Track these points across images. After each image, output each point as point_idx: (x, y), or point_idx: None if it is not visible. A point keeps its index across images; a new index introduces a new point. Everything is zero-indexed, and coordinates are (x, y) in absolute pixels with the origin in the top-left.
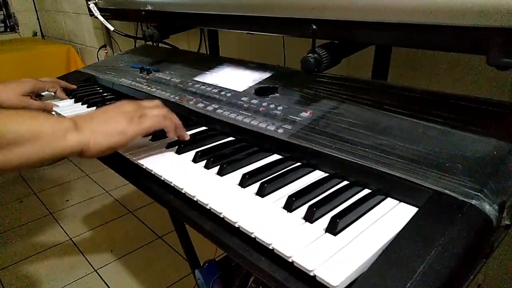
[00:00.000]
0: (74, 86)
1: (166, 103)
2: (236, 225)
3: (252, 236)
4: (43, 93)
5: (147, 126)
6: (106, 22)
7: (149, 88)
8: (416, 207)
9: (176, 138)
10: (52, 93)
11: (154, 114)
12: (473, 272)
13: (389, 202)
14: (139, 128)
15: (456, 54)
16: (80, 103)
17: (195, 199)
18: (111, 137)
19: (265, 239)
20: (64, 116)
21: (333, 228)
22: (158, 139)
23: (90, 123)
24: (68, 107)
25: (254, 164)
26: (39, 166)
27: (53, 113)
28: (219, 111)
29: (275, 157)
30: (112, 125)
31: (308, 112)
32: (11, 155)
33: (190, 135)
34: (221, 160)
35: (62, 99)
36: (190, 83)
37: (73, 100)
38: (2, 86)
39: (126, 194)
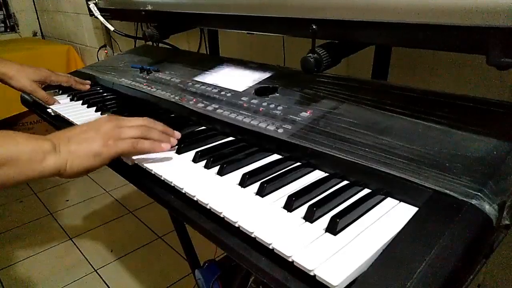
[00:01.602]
0: (88, 82)
1: (166, 103)
2: (236, 225)
3: (252, 236)
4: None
5: (121, 150)
6: (106, 22)
7: (149, 88)
8: (416, 207)
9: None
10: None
11: (130, 136)
12: (473, 272)
13: (389, 202)
14: (114, 151)
15: (456, 54)
16: (80, 103)
17: (195, 199)
18: (86, 160)
19: (265, 239)
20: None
21: (333, 228)
22: None
23: (68, 145)
24: (69, 108)
25: (254, 164)
26: (14, 186)
27: (49, 110)
28: (219, 111)
29: (275, 157)
30: (88, 147)
31: (308, 112)
32: None
33: (189, 134)
34: (221, 160)
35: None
36: (190, 83)
37: (73, 100)
38: (18, 67)
39: (126, 194)
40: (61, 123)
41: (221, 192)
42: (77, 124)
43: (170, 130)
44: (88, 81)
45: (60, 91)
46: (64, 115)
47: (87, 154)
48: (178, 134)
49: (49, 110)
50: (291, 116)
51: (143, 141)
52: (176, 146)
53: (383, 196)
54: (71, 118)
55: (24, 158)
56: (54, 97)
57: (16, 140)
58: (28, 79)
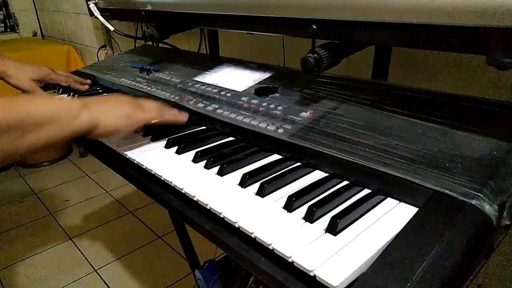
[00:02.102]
0: (89, 81)
1: (166, 103)
2: (236, 225)
3: (252, 236)
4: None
5: (149, 116)
6: (106, 22)
7: (149, 88)
8: (416, 207)
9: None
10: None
11: (155, 107)
12: (473, 272)
13: (389, 202)
14: (143, 116)
15: (456, 54)
16: None
17: (195, 199)
18: (119, 119)
19: (265, 239)
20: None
21: (333, 228)
22: (158, 139)
23: (99, 105)
24: None
25: (254, 164)
26: (56, 145)
27: None
28: (219, 111)
29: (275, 157)
30: (120, 109)
31: (308, 112)
32: (36, 137)
33: (189, 134)
34: (221, 160)
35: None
36: (190, 83)
37: (69, 97)
38: (18, 65)
39: (126, 194)
40: None
41: (221, 192)
42: None
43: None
44: (88, 81)
45: (61, 90)
46: None
47: (119, 115)
48: (185, 116)
49: None
50: (291, 116)
51: (167, 110)
52: (176, 146)
53: (383, 197)
54: None
55: (63, 116)
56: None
57: (53, 101)
58: (27, 78)
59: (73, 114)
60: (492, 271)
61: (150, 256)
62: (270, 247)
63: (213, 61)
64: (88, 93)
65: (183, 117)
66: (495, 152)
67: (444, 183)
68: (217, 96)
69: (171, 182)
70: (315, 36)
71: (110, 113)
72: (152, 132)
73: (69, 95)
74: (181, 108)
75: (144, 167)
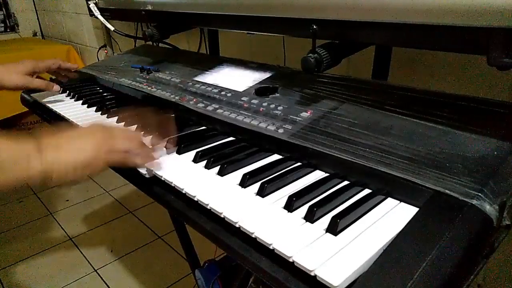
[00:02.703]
0: (76, 66)
1: (166, 103)
2: (237, 225)
3: (253, 236)
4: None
5: (112, 162)
6: (106, 22)
7: (149, 88)
8: (417, 207)
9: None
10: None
11: (123, 149)
12: (473, 272)
13: (390, 202)
14: (106, 161)
15: (456, 54)
16: (80, 102)
17: (195, 199)
18: (74, 170)
19: (265, 239)
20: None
21: (334, 228)
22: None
23: (56, 152)
24: (69, 108)
25: (254, 164)
26: (4, 191)
27: (56, 110)
28: (219, 111)
29: (276, 157)
30: (78, 157)
31: (308, 112)
32: None
33: (190, 134)
34: (221, 160)
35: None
36: (190, 83)
37: (73, 99)
38: (2, 67)
39: (126, 194)
40: (61, 122)
41: (222, 192)
42: (78, 125)
43: (160, 142)
44: (75, 65)
45: (60, 90)
46: (64, 115)
47: (75, 164)
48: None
49: (55, 110)
50: (291, 116)
51: (135, 155)
52: (176, 147)
53: (384, 197)
54: (71, 118)
55: (8, 163)
56: (54, 96)
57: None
58: (17, 74)
59: (20, 163)
60: (492, 271)
61: (150, 256)
62: (271, 247)
63: (213, 61)
64: (88, 93)
65: (156, 155)
66: (495, 152)
67: (445, 183)
68: (217, 96)
69: (172, 182)
70: (316, 36)
71: (66, 162)
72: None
73: (69, 96)
74: (181, 108)
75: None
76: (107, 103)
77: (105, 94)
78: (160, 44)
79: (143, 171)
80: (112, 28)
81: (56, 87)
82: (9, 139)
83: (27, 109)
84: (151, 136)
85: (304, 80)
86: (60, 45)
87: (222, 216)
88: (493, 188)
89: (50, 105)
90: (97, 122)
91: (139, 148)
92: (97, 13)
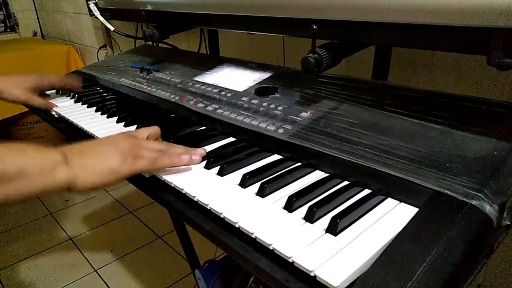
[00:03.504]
0: (80, 85)
1: (166, 103)
2: (237, 226)
3: (253, 236)
4: (47, 92)
5: (140, 168)
6: (106, 22)
7: (149, 88)
8: (416, 207)
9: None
10: (54, 91)
11: (150, 156)
12: (473, 272)
13: (389, 202)
14: (133, 169)
15: (456, 54)
16: (80, 103)
17: (195, 199)
18: (101, 176)
19: (265, 240)
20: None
21: (334, 228)
22: None
23: (81, 158)
24: (68, 107)
25: (254, 164)
26: (25, 201)
27: (53, 113)
28: (219, 111)
29: (275, 157)
30: (104, 163)
31: (308, 112)
32: None
33: (190, 134)
34: (221, 160)
35: (64, 92)
36: (190, 83)
37: (73, 100)
38: (6, 79)
39: (126, 194)
40: (62, 123)
41: (222, 193)
42: (78, 125)
43: (192, 150)
44: (79, 79)
45: (60, 92)
46: (64, 115)
47: (102, 170)
48: (202, 151)
49: (53, 113)
50: (291, 116)
51: (162, 157)
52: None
53: (384, 197)
54: (71, 119)
55: (34, 170)
56: (55, 99)
57: (25, 152)
58: (19, 88)
59: (47, 170)
60: (492, 271)
61: (150, 256)
62: (271, 247)
63: (213, 61)
64: (88, 92)
65: (186, 158)
66: (495, 152)
67: (444, 183)
68: (217, 96)
69: (172, 183)
70: (315, 36)
71: (91, 168)
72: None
73: (70, 96)
74: (181, 108)
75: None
76: (107, 103)
77: (105, 94)
78: (160, 44)
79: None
80: (112, 28)
81: (55, 106)
82: (34, 148)
83: (27, 109)
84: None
85: (304, 80)
86: (60, 45)
87: (222, 216)
88: (493, 188)
89: (49, 110)
90: (123, 132)
91: (167, 151)
92: (97, 13)
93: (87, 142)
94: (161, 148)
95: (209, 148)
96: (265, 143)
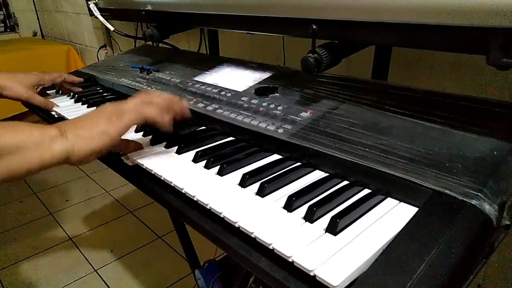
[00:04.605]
0: (81, 79)
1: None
2: (236, 225)
3: (252, 236)
4: (48, 92)
5: (127, 121)
6: (106, 22)
7: (149, 88)
8: (416, 207)
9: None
10: (54, 91)
11: (133, 108)
12: (473, 272)
13: (389, 202)
14: (119, 125)
15: (456, 54)
16: (80, 103)
17: (195, 199)
18: (93, 140)
19: (265, 239)
20: (64, 117)
21: (333, 228)
22: (157, 142)
23: (74, 129)
24: (68, 107)
25: (254, 164)
26: (26, 176)
27: (53, 113)
28: (219, 111)
29: (275, 157)
30: (93, 128)
31: (308, 112)
32: None
33: (189, 134)
34: (221, 160)
35: (66, 91)
36: (190, 83)
37: (73, 100)
38: (9, 76)
39: (126, 194)
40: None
41: (221, 192)
42: None
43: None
44: (80, 79)
45: (60, 92)
46: (64, 115)
47: (92, 135)
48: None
49: (52, 113)
50: (291, 116)
51: (146, 107)
52: (176, 146)
53: (383, 196)
54: (71, 118)
55: (31, 145)
56: (55, 99)
57: (20, 128)
58: (22, 86)
59: (44, 144)
60: (492, 271)
61: (150, 256)
62: (270, 247)
63: (213, 61)
64: (88, 92)
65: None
66: (495, 152)
67: (444, 183)
68: (217, 96)
69: (171, 182)
70: (315, 36)
71: (83, 136)
72: (152, 133)
73: (70, 96)
74: None
75: (144, 167)
76: (107, 103)
77: (105, 94)
78: (160, 44)
79: (125, 159)
80: (112, 28)
81: (55, 106)
82: (30, 125)
83: (27, 109)
84: None
85: (304, 80)
86: (60, 45)
87: (221, 216)
88: (493, 188)
89: (49, 110)
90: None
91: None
92: (97, 13)
93: (79, 116)
94: (142, 101)
95: (209, 147)
96: (265, 143)
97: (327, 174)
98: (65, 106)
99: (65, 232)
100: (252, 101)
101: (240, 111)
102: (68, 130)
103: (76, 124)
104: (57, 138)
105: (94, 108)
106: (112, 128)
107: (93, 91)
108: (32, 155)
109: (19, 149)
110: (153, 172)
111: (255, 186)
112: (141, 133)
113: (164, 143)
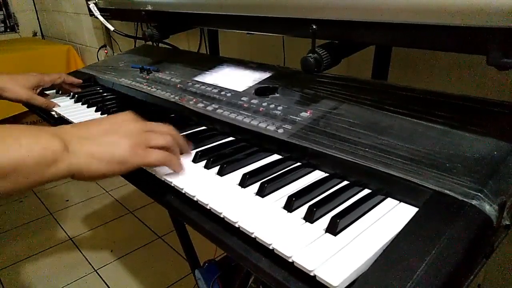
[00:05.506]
0: (80, 81)
1: (166, 103)
2: (236, 225)
3: (252, 236)
4: (47, 92)
5: (151, 162)
6: (106, 22)
7: (149, 88)
8: (416, 207)
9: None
10: (54, 91)
11: (160, 145)
12: (473, 272)
13: (389, 202)
14: (142, 162)
15: (456, 54)
16: (80, 103)
17: (195, 199)
18: (108, 165)
19: (265, 239)
20: (66, 119)
21: (333, 228)
22: None
23: (84, 144)
24: (68, 107)
25: (254, 164)
26: (26, 191)
27: (53, 113)
28: (219, 111)
29: (275, 157)
30: (112, 152)
31: (308, 112)
32: None
33: (189, 134)
34: (221, 160)
35: (65, 92)
36: (190, 83)
37: (73, 100)
38: (9, 78)
39: (126, 194)
40: (61, 122)
41: (221, 192)
42: None
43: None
44: (79, 80)
45: (60, 92)
46: (64, 115)
47: (110, 160)
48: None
49: (53, 113)
50: (291, 116)
51: (174, 158)
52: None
53: (383, 197)
54: (71, 119)
55: (31, 164)
56: (55, 99)
57: (19, 142)
58: (22, 87)
59: (47, 161)
60: (492, 271)
61: (150, 256)
62: (270, 247)
63: (213, 61)
64: (88, 92)
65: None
66: (495, 152)
67: (444, 183)
68: (217, 96)
69: (171, 182)
70: (315, 36)
71: (98, 156)
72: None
73: (70, 96)
74: (181, 108)
75: (144, 167)
76: (107, 103)
77: (105, 94)
78: (160, 44)
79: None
80: (112, 28)
81: (56, 106)
82: (30, 135)
83: (27, 109)
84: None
85: (304, 80)
86: (60, 45)
87: (221, 216)
88: (493, 188)
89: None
90: (124, 113)
91: (174, 144)
92: (97, 13)
93: (85, 124)
94: (170, 133)
95: (209, 147)
96: (265, 143)
97: (327, 174)
98: (65, 106)
99: (65, 232)
100: (252, 101)
101: (240, 111)
102: (75, 143)
103: (87, 138)
104: (61, 154)
105: (94, 108)
106: (134, 161)
107: (93, 91)
108: (31, 175)
109: (17, 169)
110: (153, 173)
111: (255, 186)
112: None
113: None
